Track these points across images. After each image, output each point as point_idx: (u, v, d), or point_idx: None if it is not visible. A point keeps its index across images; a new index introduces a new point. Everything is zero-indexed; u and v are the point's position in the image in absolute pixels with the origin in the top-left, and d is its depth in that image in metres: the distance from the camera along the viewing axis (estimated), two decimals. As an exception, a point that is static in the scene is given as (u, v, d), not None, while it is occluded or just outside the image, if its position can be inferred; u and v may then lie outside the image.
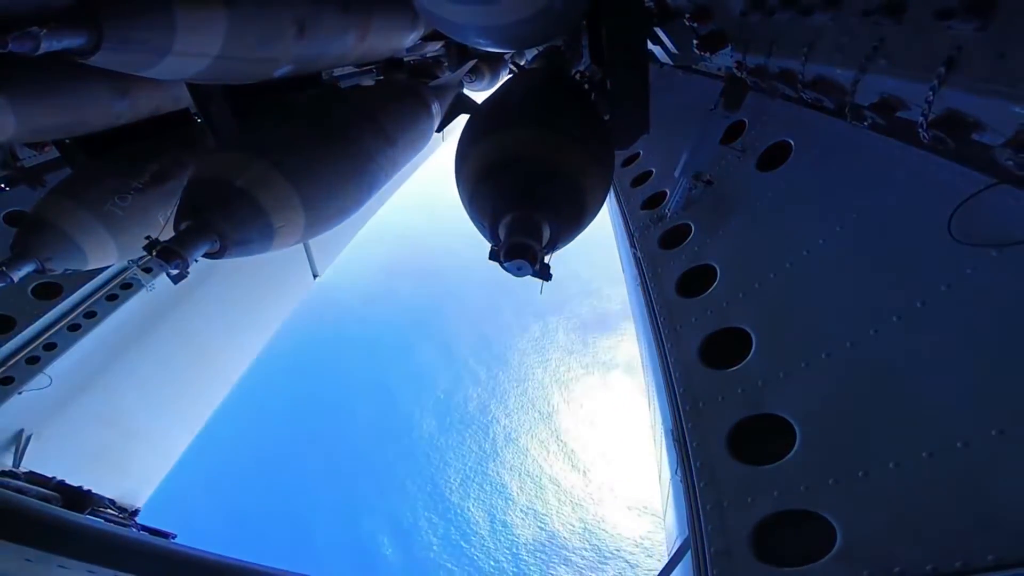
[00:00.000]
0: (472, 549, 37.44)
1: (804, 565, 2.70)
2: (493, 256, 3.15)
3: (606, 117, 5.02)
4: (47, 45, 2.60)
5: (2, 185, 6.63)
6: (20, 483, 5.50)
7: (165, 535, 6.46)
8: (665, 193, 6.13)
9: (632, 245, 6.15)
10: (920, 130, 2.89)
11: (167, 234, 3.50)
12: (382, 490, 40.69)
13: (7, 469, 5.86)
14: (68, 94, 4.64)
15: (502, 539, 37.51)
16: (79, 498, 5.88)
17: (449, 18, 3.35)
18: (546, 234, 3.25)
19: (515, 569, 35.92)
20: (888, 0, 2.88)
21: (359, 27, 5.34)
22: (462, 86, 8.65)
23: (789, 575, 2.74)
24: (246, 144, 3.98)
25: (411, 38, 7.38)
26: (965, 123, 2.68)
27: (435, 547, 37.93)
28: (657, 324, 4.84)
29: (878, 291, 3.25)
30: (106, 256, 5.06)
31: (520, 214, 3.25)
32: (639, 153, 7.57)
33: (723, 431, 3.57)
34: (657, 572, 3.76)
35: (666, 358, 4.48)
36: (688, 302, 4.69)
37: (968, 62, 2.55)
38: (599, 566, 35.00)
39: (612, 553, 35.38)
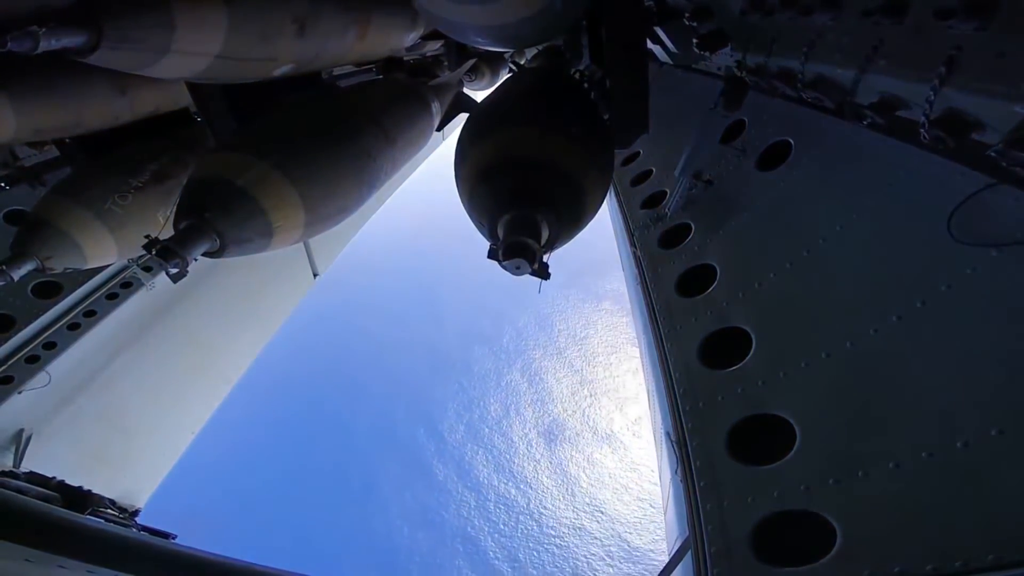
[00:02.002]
0: (491, 433, 46.99)
1: (804, 565, 2.70)
2: (492, 255, 3.15)
3: (606, 116, 5.02)
4: (46, 44, 2.60)
5: (2, 184, 6.63)
6: (20, 483, 5.50)
7: (165, 535, 6.45)
8: (665, 192, 6.13)
9: (632, 244, 6.15)
10: (920, 129, 2.89)
11: (167, 233, 3.50)
12: (415, 395, 50.78)
13: (7, 469, 5.85)
14: (68, 93, 4.64)
15: (516, 425, 46.92)
16: (79, 498, 5.86)
17: (449, 17, 3.35)
18: (545, 233, 3.25)
19: (527, 447, 45.25)
20: (888, 0, 2.88)
21: (359, 26, 5.34)
22: (462, 85, 8.66)
23: (789, 575, 2.74)
24: (246, 143, 3.98)
25: (411, 37, 7.39)
26: (965, 123, 2.68)
27: (461, 433, 47.40)
28: (657, 324, 4.84)
29: (878, 291, 3.25)
30: (106, 255, 5.07)
31: (519, 213, 3.25)
32: (639, 152, 7.56)
33: (723, 431, 3.57)
34: (658, 572, 3.76)
35: (666, 358, 4.47)
36: (688, 302, 4.69)
37: (968, 62, 2.54)
38: (596, 445, 44.51)
39: (606, 435, 44.83)
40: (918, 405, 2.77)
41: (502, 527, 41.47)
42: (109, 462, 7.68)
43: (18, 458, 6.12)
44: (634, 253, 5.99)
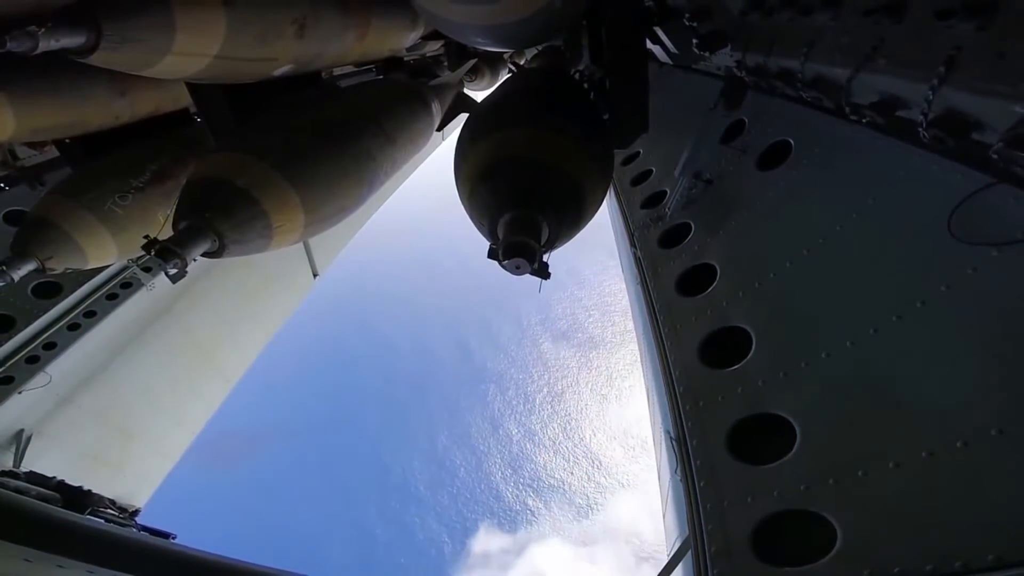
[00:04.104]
0: (511, 345, 61.22)
1: (804, 565, 2.70)
2: (492, 255, 3.15)
3: (606, 116, 5.02)
4: (45, 44, 2.60)
5: (2, 184, 6.64)
6: (20, 483, 5.50)
7: (165, 535, 6.45)
8: (665, 192, 6.12)
9: (632, 244, 6.14)
10: (920, 129, 2.89)
11: (166, 233, 3.51)
12: (447, 323, 64.10)
13: (7, 469, 5.86)
14: (68, 93, 4.65)
15: (529, 337, 60.98)
16: (79, 498, 5.86)
17: (449, 17, 3.34)
18: (545, 233, 3.26)
19: (538, 353, 59.19)
20: (888, 0, 2.88)
21: (358, 27, 5.34)
22: (462, 85, 8.66)
23: (789, 575, 2.74)
24: (246, 144, 3.98)
25: (411, 37, 7.39)
26: (965, 122, 2.68)
27: (486, 345, 61.31)
28: (657, 324, 4.84)
29: (878, 291, 3.24)
30: (106, 255, 5.07)
31: (519, 213, 3.25)
32: (639, 152, 7.56)
33: (723, 431, 3.57)
34: (657, 572, 3.76)
35: (666, 358, 4.47)
36: (688, 301, 4.68)
37: (968, 62, 2.54)
38: (592, 349, 58.05)
39: (600, 340, 58.42)
40: (918, 405, 2.77)
41: (521, 409, 55.01)
42: (109, 462, 7.68)
43: (18, 458, 6.12)
44: (634, 253, 5.99)
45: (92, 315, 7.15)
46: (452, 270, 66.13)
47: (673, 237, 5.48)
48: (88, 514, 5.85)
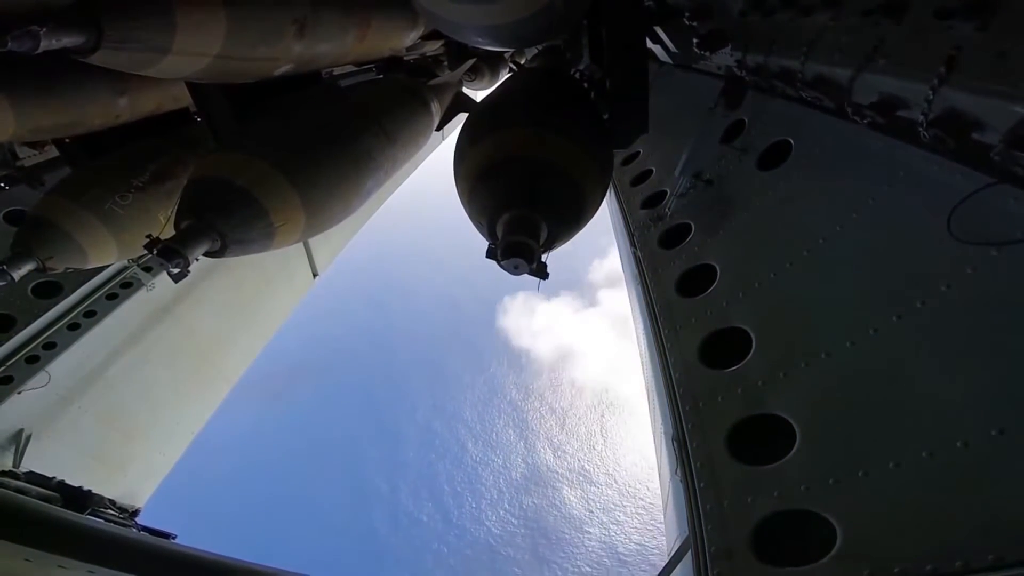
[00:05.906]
0: (513, 290, 66.35)
1: (804, 565, 2.70)
2: (491, 254, 3.16)
3: (605, 117, 5.02)
4: (47, 43, 2.60)
5: (2, 184, 6.64)
6: (20, 483, 5.50)
7: (165, 535, 6.45)
8: (665, 192, 6.12)
9: (632, 244, 6.14)
10: (920, 129, 2.90)
11: (167, 233, 3.51)
12: (468, 269, 69.99)
13: (7, 469, 5.85)
14: (68, 93, 4.65)
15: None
16: (79, 498, 5.86)
17: (449, 17, 3.34)
18: (543, 233, 3.26)
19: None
20: (888, 0, 2.89)
21: (359, 26, 5.35)
22: (462, 85, 8.67)
23: (789, 575, 2.74)
24: (246, 143, 3.98)
25: (411, 37, 7.39)
26: (965, 122, 2.68)
27: (490, 288, 67.65)
28: (657, 324, 4.84)
29: (878, 291, 3.24)
30: (106, 255, 5.07)
31: (518, 213, 3.25)
32: (639, 152, 7.56)
33: (723, 431, 3.56)
34: (657, 573, 3.76)
35: (666, 358, 4.47)
36: (688, 302, 4.68)
37: (968, 62, 2.54)
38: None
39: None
40: (918, 405, 2.77)
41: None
42: (109, 462, 7.67)
43: (18, 458, 6.11)
44: (634, 253, 5.99)
45: (92, 315, 7.15)
46: (472, 236, 72.69)
47: (673, 237, 5.48)
48: (88, 514, 5.85)
